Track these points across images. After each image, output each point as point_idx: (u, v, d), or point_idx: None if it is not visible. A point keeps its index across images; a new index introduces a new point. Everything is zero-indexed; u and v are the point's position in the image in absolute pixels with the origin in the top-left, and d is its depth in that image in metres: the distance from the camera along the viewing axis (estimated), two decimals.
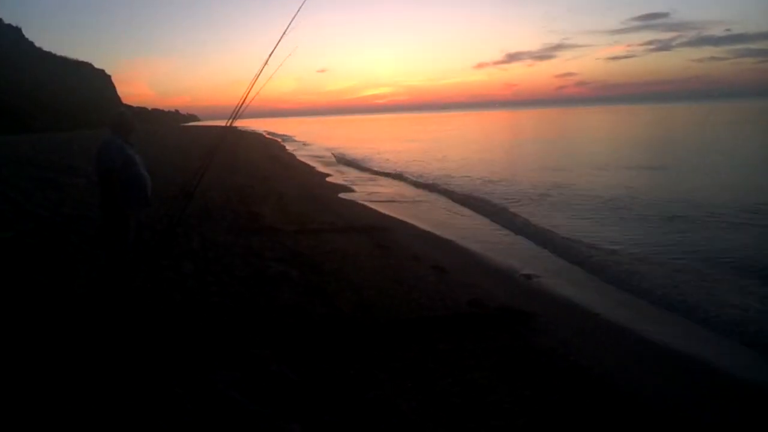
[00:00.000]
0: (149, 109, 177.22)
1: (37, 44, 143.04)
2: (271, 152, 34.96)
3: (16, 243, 7.50)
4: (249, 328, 4.81)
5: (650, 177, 19.05)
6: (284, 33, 6.49)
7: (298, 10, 6.68)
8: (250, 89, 6.52)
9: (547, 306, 6.33)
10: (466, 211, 13.48)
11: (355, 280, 6.58)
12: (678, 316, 6.35)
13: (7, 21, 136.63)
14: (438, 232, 10.47)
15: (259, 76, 6.46)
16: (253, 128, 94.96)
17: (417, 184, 18.63)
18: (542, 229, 10.89)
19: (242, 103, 6.53)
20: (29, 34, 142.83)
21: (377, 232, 9.72)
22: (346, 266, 7.19)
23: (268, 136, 66.61)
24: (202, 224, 9.19)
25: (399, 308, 5.72)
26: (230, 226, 9.45)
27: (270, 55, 6.42)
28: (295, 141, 53.47)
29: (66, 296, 5.43)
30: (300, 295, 5.89)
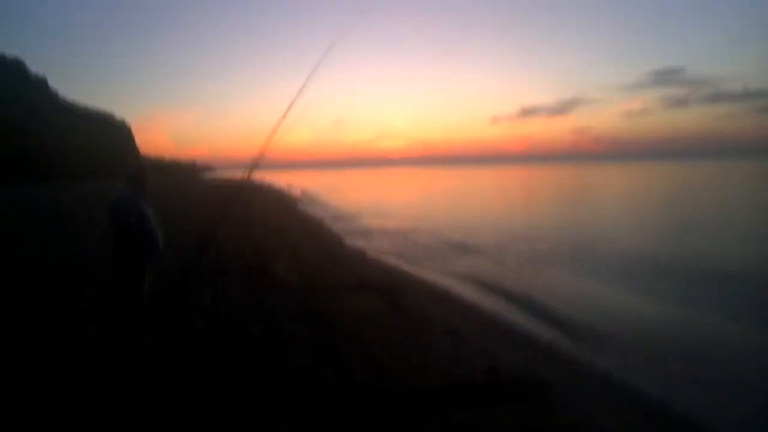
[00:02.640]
0: (167, 160, 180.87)
1: (61, 94, 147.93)
2: (285, 205, 35.23)
3: (28, 295, 7.46)
4: (258, 393, 4.65)
5: (675, 237, 18.84)
6: (302, 87, 6.56)
7: (316, 66, 6.77)
8: (268, 142, 6.55)
9: (569, 374, 6.09)
10: (484, 270, 13.23)
11: (368, 342, 6.40)
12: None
13: (33, 69, 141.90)
14: (453, 292, 10.29)
15: (278, 128, 6.49)
16: (268, 180, 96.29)
17: (433, 241, 18.38)
18: (564, 291, 10.68)
19: (259, 155, 6.55)
20: (54, 84, 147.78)
21: (390, 290, 9.56)
22: (359, 327, 7.02)
23: (283, 188, 67.31)
24: (215, 278, 9.12)
25: (413, 374, 5.51)
26: (243, 280, 9.36)
27: (289, 108, 6.47)
28: (310, 194, 53.90)
29: (73, 351, 5.32)
30: (312, 357, 5.72)
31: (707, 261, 13.41)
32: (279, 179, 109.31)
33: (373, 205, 35.52)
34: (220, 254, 11.04)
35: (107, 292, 7.29)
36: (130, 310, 4.95)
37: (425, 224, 23.53)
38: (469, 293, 10.40)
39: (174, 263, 6.93)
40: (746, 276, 11.70)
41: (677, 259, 13.67)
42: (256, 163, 6.64)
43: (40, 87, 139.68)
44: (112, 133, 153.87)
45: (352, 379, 5.24)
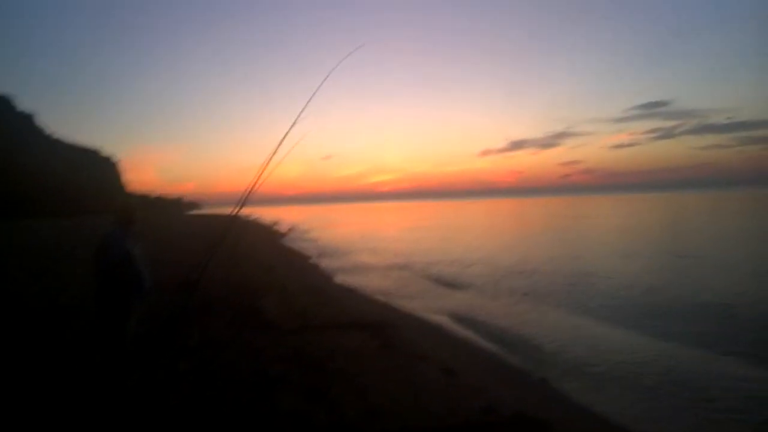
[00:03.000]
0: (153, 196, 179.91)
1: (48, 131, 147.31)
2: (274, 241, 34.98)
3: (5, 338, 7.20)
4: None
5: (667, 269, 18.93)
6: (293, 124, 6.52)
7: (307, 103, 6.74)
8: (258, 178, 6.46)
9: (565, 413, 5.94)
10: (476, 306, 13.06)
11: (360, 382, 6.22)
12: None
13: (19, 107, 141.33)
14: (446, 329, 10.12)
15: (268, 164, 6.42)
16: (257, 216, 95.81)
17: (424, 276, 18.12)
18: (560, 325, 10.58)
19: (249, 191, 6.46)
20: (41, 120, 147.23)
21: (382, 328, 9.38)
22: (350, 367, 6.83)
23: (272, 224, 66.95)
24: (201, 318, 8.90)
25: (407, 415, 5.34)
26: (231, 320, 9.14)
27: (279, 144, 6.41)
28: (300, 229, 53.55)
29: (53, 395, 5.09)
30: (302, 399, 5.53)
31: (699, 293, 13.45)
32: (267, 214, 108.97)
33: (364, 240, 35.34)
34: (207, 293, 10.82)
35: (90, 333, 7.06)
36: (113, 351, 4.76)
37: (417, 258, 23.40)
38: (461, 329, 10.24)
39: (160, 303, 6.76)
40: (740, 309, 11.70)
41: (669, 292, 13.68)
42: (244, 199, 6.55)
43: (26, 123, 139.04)
44: (99, 169, 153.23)
45: (344, 421, 5.05)
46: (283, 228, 57.94)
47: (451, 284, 15.86)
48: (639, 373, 7.79)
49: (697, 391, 6.96)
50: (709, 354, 8.56)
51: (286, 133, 6.45)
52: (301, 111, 6.70)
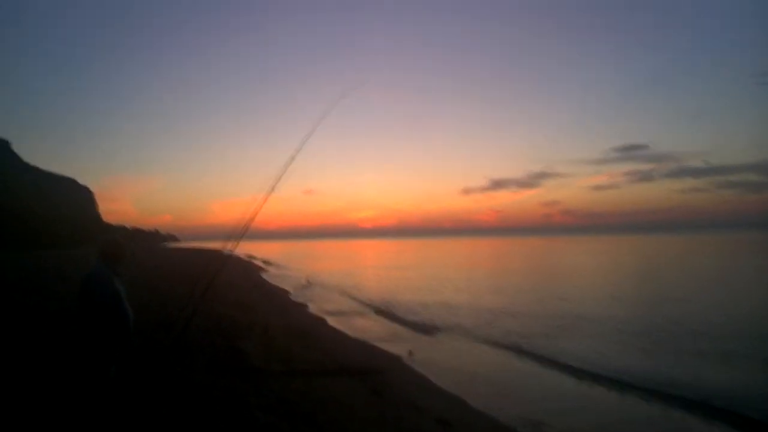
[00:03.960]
0: (129, 228, 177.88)
1: (24, 158, 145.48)
2: (254, 279, 34.27)
3: None
4: None
5: (660, 307, 18.97)
6: (286, 168, 6.33)
7: (299, 149, 6.54)
8: (252, 218, 6.22)
9: None
10: (468, 349, 12.66)
11: None
12: None
13: None
14: (436, 377, 9.72)
15: (265, 200, 6.20)
16: (236, 251, 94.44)
17: (408, 319, 17.24)
18: (558, 367, 10.34)
19: (245, 228, 6.21)
20: (16, 147, 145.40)
21: (371, 375, 8.99)
22: (341, 418, 6.43)
23: (251, 260, 66.01)
24: (177, 361, 8.40)
25: None
26: (210, 363, 8.66)
27: (273, 188, 6.20)
28: (280, 266, 52.75)
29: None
30: None
31: (685, 333, 13.43)
32: (247, 250, 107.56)
33: (346, 278, 34.75)
34: (184, 332, 10.31)
35: (68, 373, 6.57)
36: (94, 395, 4.36)
37: (402, 298, 22.95)
38: (455, 377, 9.85)
39: (137, 347, 6.33)
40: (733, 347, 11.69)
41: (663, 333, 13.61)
42: (241, 235, 6.26)
43: (2, 149, 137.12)
44: (75, 199, 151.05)
45: None
46: (263, 264, 57.04)
47: (435, 327, 15.42)
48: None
49: None
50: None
51: (283, 171, 6.25)
52: (296, 152, 6.52)
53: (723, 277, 31.51)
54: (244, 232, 5.92)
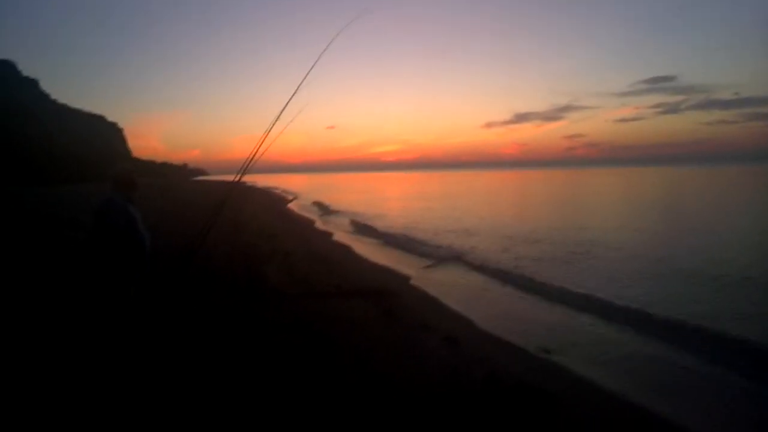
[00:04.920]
0: (158, 162, 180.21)
1: (53, 96, 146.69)
2: (278, 209, 34.92)
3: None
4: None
5: (678, 238, 18.96)
6: (296, 91, 6.38)
7: (310, 70, 6.59)
8: (260, 145, 6.36)
9: (566, 384, 5.90)
10: (478, 276, 12.88)
11: (363, 351, 6.18)
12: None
13: (25, 73, 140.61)
14: (447, 299, 10.06)
15: (270, 132, 6.31)
16: (261, 183, 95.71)
17: (426, 247, 17.40)
18: (565, 293, 10.52)
19: (251, 159, 6.36)
20: (45, 86, 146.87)
21: (385, 296, 9.35)
22: (353, 336, 6.80)
23: (275, 192, 66.84)
24: (202, 285, 8.85)
25: (410, 383, 5.31)
26: (231, 288, 9.09)
27: (282, 111, 6.29)
28: (303, 198, 53.35)
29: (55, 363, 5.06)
30: (305, 368, 5.49)
31: (709, 264, 13.40)
32: (272, 182, 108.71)
33: (371, 209, 35.02)
34: (209, 261, 10.78)
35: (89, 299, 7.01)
36: (114, 318, 4.70)
37: (422, 226, 23.27)
38: (465, 299, 10.18)
39: (161, 270, 6.69)
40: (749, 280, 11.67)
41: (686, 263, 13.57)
42: (247, 167, 6.43)
43: (31, 87, 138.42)
44: (104, 136, 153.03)
45: (346, 388, 5.02)
46: (287, 196, 57.85)
47: (455, 254, 15.64)
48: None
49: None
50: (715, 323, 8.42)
51: (288, 101, 6.32)
52: (303, 78, 6.55)
53: (750, 210, 30.85)
54: (251, 163, 6.07)
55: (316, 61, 6.76)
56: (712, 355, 7.13)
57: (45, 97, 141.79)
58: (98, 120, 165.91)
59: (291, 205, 40.21)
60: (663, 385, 6.26)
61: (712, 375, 6.53)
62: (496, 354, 6.80)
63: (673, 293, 10.58)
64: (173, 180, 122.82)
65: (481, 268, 13.35)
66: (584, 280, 11.74)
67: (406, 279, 11.83)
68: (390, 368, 5.71)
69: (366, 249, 16.91)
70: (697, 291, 10.77)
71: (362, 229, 23.37)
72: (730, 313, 9.10)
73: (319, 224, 25.37)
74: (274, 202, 44.18)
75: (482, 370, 5.94)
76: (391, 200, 48.91)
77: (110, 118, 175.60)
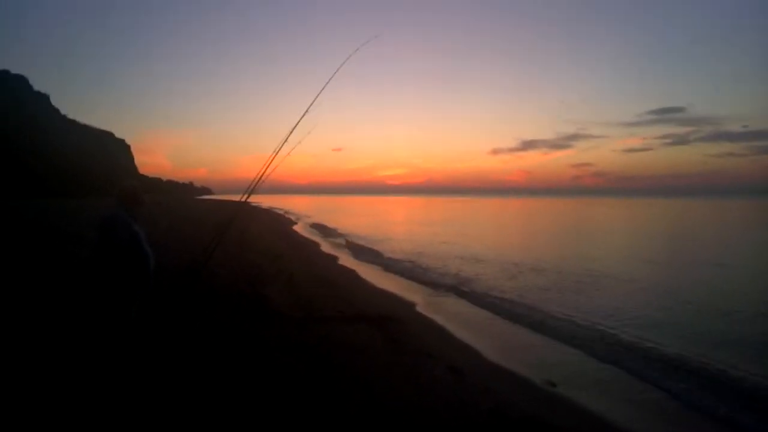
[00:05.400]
0: (164, 180, 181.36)
1: (63, 112, 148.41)
2: (283, 230, 34.86)
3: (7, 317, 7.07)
4: None
5: (683, 271, 18.79)
6: (304, 113, 6.40)
7: (320, 93, 6.62)
8: (268, 165, 6.34)
9: (573, 419, 5.75)
10: (485, 305, 12.59)
11: (366, 378, 6.04)
12: None
13: (36, 88, 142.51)
14: (453, 328, 9.91)
15: (278, 153, 6.31)
16: (267, 204, 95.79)
17: (432, 273, 17.12)
18: (573, 325, 10.36)
19: (259, 179, 6.34)
20: (56, 101, 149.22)
21: (389, 323, 9.20)
22: (356, 362, 6.66)
23: (281, 213, 66.83)
24: (205, 304, 8.73)
25: (413, 413, 5.17)
26: (234, 308, 8.97)
27: (290, 133, 6.30)
28: (309, 219, 53.23)
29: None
30: (307, 393, 5.36)
31: (713, 297, 13.21)
32: (279, 204, 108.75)
33: (375, 234, 34.73)
34: (213, 280, 10.67)
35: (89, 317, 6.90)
36: (114, 337, 4.61)
37: (428, 251, 23.14)
38: (470, 329, 10.03)
39: (165, 288, 6.60)
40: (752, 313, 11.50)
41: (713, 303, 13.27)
42: (254, 187, 6.41)
43: (43, 102, 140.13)
44: (112, 151, 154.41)
45: (348, 416, 4.89)
46: (292, 217, 57.71)
47: (462, 281, 15.41)
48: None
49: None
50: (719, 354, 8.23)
51: (297, 123, 6.32)
52: (312, 102, 6.58)
53: (758, 243, 30.56)
54: (258, 183, 6.05)
55: (326, 84, 6.79)
56: (720, 395, 6.93)
57: (56, 111, 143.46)
58: (107, 136, 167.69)
59: (296, 227, 40.13)
60: (674, 421, 6.10)
61: (727, 418, 6.35)
62: (501, 385, 6.67)
63: (684, 328, 10.39)
64: (178, 197, 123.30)
65: (488, 297, 13.15)
66: (592, 311, 11.58)
67: (411, 306, 11.70)
68: (394, 396, 5.58)
69: (371, 274, 16.77)
70: (711, 328, 10.50)
71: (368, 253, 23.17)
72: (744, 353, 8.86)
73: (325, 247, 25.26)
74: (279, 223, 44.10)
75: (487, 401, 5.79)
76: (397, 224, 48.77)
77: (118, 132, 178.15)
